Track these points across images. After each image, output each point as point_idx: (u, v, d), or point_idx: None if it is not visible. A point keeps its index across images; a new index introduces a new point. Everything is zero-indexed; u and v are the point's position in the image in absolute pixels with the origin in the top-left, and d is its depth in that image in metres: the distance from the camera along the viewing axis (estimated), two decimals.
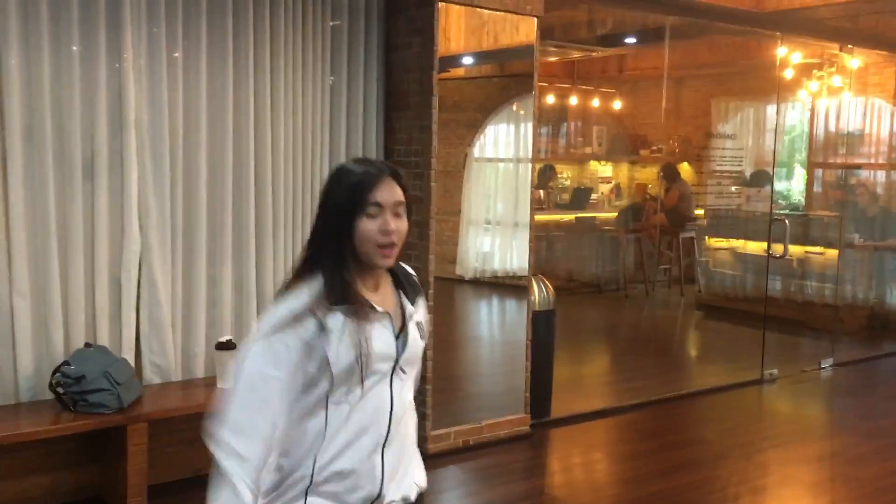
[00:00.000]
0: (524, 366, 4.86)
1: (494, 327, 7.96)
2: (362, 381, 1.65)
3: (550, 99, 10.33)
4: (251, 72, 4.04)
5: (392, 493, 1.74)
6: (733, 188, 9.75)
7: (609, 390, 6.15)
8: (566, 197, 10.82)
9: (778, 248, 6.90)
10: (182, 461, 3.88)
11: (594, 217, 10.53)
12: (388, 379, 1.73)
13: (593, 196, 11.00)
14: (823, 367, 6.65)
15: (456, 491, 4.20)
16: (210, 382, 3.94)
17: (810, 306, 7.96)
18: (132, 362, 3.77)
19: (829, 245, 8.08)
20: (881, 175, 8.56)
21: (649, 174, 11.08)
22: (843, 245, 7.94)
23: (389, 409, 1.72)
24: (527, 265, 5.14)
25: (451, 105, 4.39)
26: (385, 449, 1.71)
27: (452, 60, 7.14)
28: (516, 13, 4.54)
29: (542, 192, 9.91)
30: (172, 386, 3.91)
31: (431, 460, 4.33)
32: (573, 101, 10.76)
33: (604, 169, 11.63)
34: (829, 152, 8.98)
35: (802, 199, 9.46)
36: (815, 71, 8.26)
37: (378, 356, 1.68)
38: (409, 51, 4.41)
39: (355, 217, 1.68)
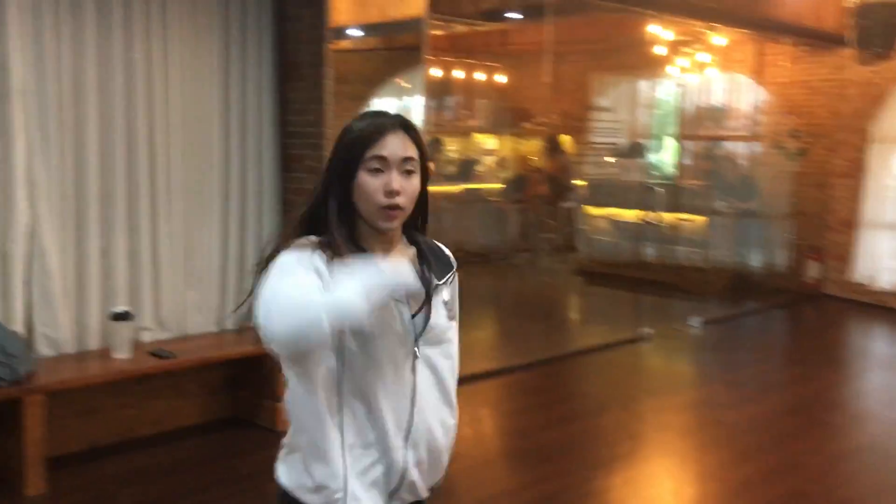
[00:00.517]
0: None
1: None
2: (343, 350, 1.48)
3: (436, 72, 10.47)
4: (141, 40, 3.99)
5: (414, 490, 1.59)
6: (611, 159, 10.22)
7: (497, 353, 6.42)
8: (453, 169, 11.02)
9: (651, 216, 7.35)
10: (78, 433, 3.86)
11: (480, 188, 10.79)
12: (410, 362, 1.55)
13: (479, 168, 11.26)
14: (693, 326, 7.15)
15: None
16: (104, 354, 3.92)
17: (681, 269, 8.48)
18: (24, 335, 3.71)
19: (697, 212, 8.64)
20: (743, 146, 9.16)
21: (532, 146, 11.42)
22: (710, 212, 8.52)
23: (411, 396, 1.55)
24: None
25: (337, 77, 4.45)
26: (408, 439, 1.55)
27: (339, 32, 7.18)
28: None
29: (430, 164, 10.09)
30: (66, 358, 3.86)
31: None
32: (458, 74, 10.94)
33: (489, 141, 11.90)
34: (698, 125, 9.56)
35: (674, 170, 10.02)
36: (684, 48, 8.76)
37: (381, 329, 1.49)
38: (300, 22, 4.44)
39: (357, 172, 1.52)
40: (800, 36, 7.92)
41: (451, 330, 1.67)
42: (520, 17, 8.00)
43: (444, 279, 1.63)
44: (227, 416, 4.40)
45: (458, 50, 10.75)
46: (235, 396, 4.45)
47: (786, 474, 4.01)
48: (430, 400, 1.59)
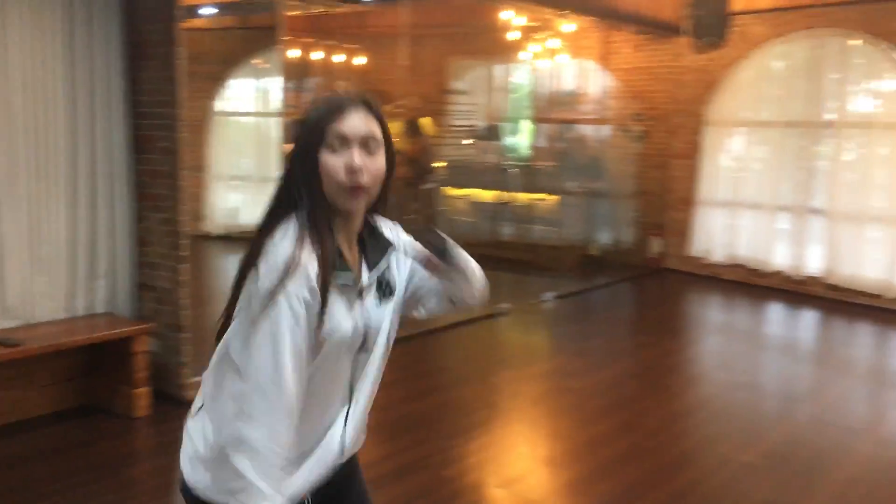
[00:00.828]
0: None
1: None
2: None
3: (294, 53, 10.36)
4: None
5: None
6: (469, 141, 10.47)
7: None
8: None
9: (507, 196, 7.64)
10: None
11: None
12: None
13: None
14: (546, 300, 7.51)
15: None
16: None
17: (536, 247, 8.86)
18: None
19: (550, 192, 9.02)
20: (592, 129, 9.63)
21: (393, 128, 11.49)
22: (562, 192, 8.93)
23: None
24: None
25: (191, 57, 4.38)
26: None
27: (191, 11, 7.00)
28: None
29: (290, 146, 10.01)
30: None
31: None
32: (317, 56, 10.87)
33: None
34: (551, 109, 9.96)
35: (529, 151, 10.40)
36: (535, 34, 9.10)
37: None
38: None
39: (319, 152, 1.48)
40: (640, 25, 8.40)
41: (395, 313, 1.64)
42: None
43: (376, 271, 1.59)
44: (83, 404, 4.29)
45: (317, 31, 10.68)
46: (89, 384, 4.34)
47: (628, 432, 4.34)
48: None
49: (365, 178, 1.49)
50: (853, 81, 7.57)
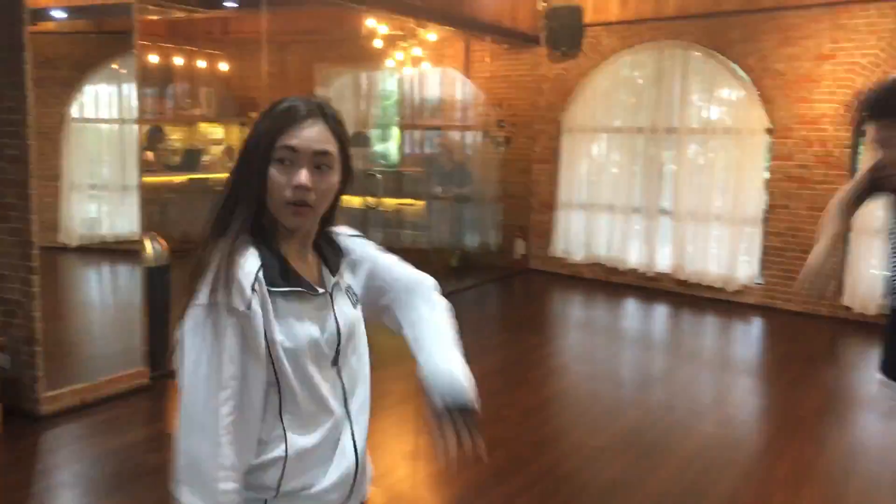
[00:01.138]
0: (141, 322, 4.97)
1: (108, 291, 7.78)
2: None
3: (154, 59, 10.11)
4: None
5: None
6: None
7: None
8: (177, 159, 10.72)
9: (372, 200, 7.75)
10: None
11: (207, 178, 10.60)
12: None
13: (205, 157, 11.05)
14: None
15: (75, 445, 4.22)
16: None
17: (406, 251, 8.95)
18: None
19: (418, 197, 9.20)
20: (457, 136, 9.88)
21: None
22: (430, 197, 9.13)
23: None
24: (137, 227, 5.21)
25: (43, 62, 4.27)
26: None
27: (42, 14, 6.73)
28: None
29: (151, 154, 9.74)
30: None
31: (47, 420, 4.31)
32: (178, 61, 10.64)
33: (214, 130, 11.70)
34: (417, 116, 10.15)
35: (397, 158, 10.55)
36: (400, 42, 9.27)
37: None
38: None
39: (267, 164, 1.39)
40: (499, 35, 8.72)
41: (360, 321, 1.60)
42: (235, 5, 8.00)
43: (338, 275, 1.55)
44: None
45: (177, 36, 10.46)
46: None
47: (490, 424, 4.53)
48: None
49: (312, 197, 1.40)
50: (695, 90, 8.14)
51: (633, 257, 8.61)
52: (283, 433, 1.44)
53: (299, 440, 1.45)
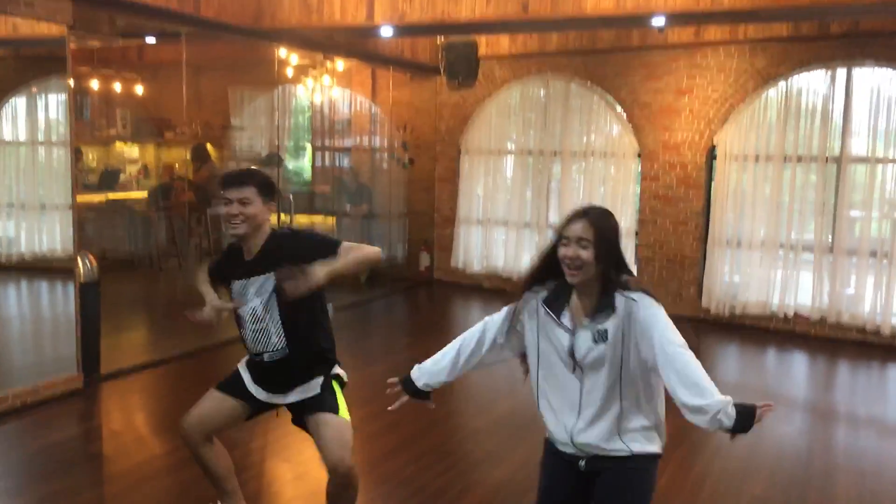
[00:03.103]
0: (73, 332, 5.53)
1: (35, 306, 8.17)
2: None
3: (71, 82, 10.45)
4: None
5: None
6: (252, 168, 11.08)
7: (152, 348, 7.02)
8: (93, 178, 11.08)
9: (286, 218, 8.40)
10: None
11: (125, 198, 11.01)
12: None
13: (122, 177, 11.44)
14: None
15: (18, 439, 4.76)
16: None
17: None
18: None
19: (329, 214, 9.89)
20: (365, 156, 10.62)
21: (175, 155, 11.84)
22: (339, 214, 9.83)
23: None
24: (58, 246, 5.76)
25: None
26: None
27: None
28: (48, 21, 5.12)
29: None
30: None
31: None
32: (95, 85, 11.01)
33: (131, 150, 12.08)
34: (327, 138, 10.85)
35: (309, 177, 11.20)
36: (310, 70, 9.96)
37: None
38: None
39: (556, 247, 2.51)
40: (400, 66, 9.52)
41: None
42: (154, 41, 8.53)
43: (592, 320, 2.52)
44: None
45: (95, 61, 10.83)
46: None
47: (386, 412, 5.26)
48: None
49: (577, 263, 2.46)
50: (575, 118, 9.10)
51: (525, 268, 9.49)
52: None
53: None
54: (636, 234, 8.70)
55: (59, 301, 6.47)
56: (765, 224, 7.95)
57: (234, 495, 3.48)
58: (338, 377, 3.30)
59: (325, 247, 3.09)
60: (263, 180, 3.13)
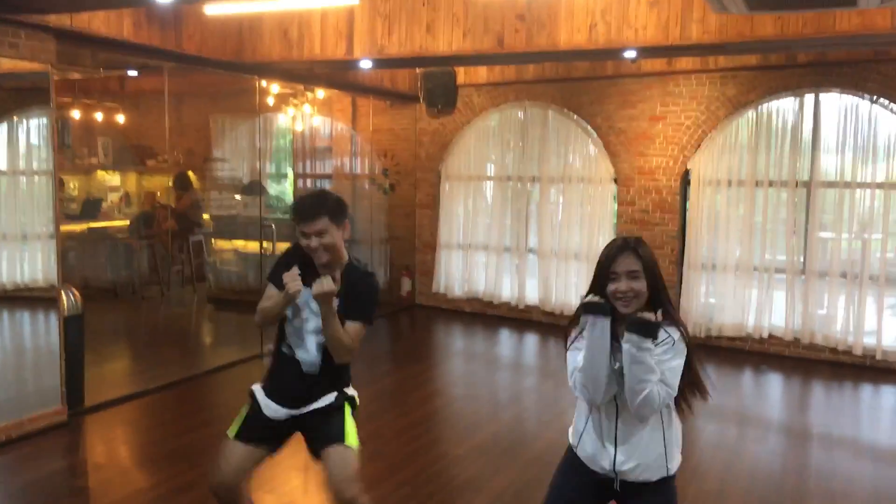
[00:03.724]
0: (58, 365, 5.57)
1: (17, 338, 8.18)
2: None
3: (54, 115, 10.51)
4: None
5: None
6: (238, 196, 11.18)
7: (135, 379, 7.05)
8: (75, 207, 11.11)
9: (269, 246, 8.49)
10: None
11: (106, 226, 11.04)
12: None
13: (104, 205, 11.48)
14: None
15: (3, 475, 4.80)
16: None
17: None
18: None
19: None
20: (346, 183, 10.74)
21: (157, 183, 11.91)
22: None
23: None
24: (39, 276, 5.81)
25: None
26: None
27: None
28: (31, 61, 5.21)
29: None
30: None
31: None
32: (76, 114, 11.07)
33: (112, 178, 12.12)
34: (309, 164, 10.96)
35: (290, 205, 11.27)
36: (291, 99, 10.09)
37: None
38: None
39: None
40: (380, 95, 9.67)
41: None
42: (136, 73, 8.63)
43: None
44: None
45: (77, 90, 10.91)
46: None
47: (370, 441, 5.32)
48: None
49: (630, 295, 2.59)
50: (553, 144, 9.27)
51: (506, 292, 9.64)
52: None
53: None
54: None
55: (42, 332, 6.49)
56: (739, 247, 8.13)
57: None
58: (352, 400, 3.37)
59: (367, 312, 3.24)
60: (334, 207, 3.12)
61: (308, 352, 3.24)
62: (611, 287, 2.57)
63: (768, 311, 8.08)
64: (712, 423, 6.26)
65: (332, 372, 3.28)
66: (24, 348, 7.23)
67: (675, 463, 2.73)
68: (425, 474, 4.83)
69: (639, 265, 2.56)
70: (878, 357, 7.51)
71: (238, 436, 3.32)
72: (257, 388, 3.38)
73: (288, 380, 3.30)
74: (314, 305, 3.13)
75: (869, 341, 7.58)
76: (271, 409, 3.29)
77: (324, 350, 3.22)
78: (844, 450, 5.67)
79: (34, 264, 6.92)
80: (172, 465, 4.87)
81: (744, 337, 8.14)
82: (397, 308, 10.13)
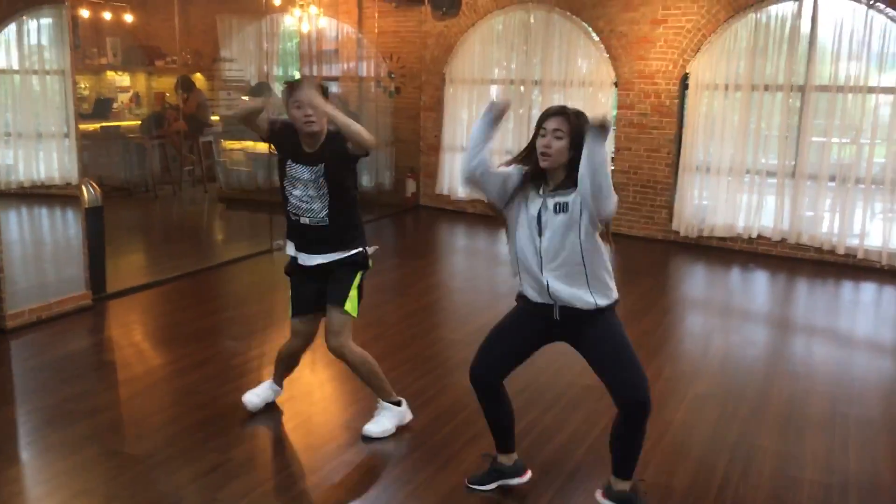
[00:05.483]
0: (81, 254, 5.95)
1: (37, 232, 8.57)
2: None
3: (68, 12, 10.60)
4: None
5: None
6: (245, 97, 11.34)
7: (153, 269, 7.45)
8: (87, 107, 11.33)
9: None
10: None
11: (118, 126, 11.28)
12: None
13: (114, 105, 11.70)
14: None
15: (38, 349, 5.23)
16: None
17: None
18: None
19: None
20: (353, 85, 10.89)
21: (166, 83, 12.08)
22: None
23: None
24: (55, 174, 6.14)
25: None
26: None
27: None
28: None
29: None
30: None
31: (13, 333, 5.31)
32: (85, 13, 11.16)
33: (121, 79, 12.29)
34: (315, 67, 11.08)
35: None
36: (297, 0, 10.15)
37: None
38: None
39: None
40: None
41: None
42: None
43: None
44: None
45: None
46: None
47: (375, 326, 5.75)
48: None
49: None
50: (556, 48, 9.37)
51: None
52: None
53: None
54: (612, 160, 9.08)
55: (60, 227, 6.87)
56: (733, 150, 8.35)
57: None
58: (364, 263, 3.94)
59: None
60: (318, 85, 3.74)
61: (313, 210, 3.75)
62: (538, 142, 2.90)
63: (759, 212, 8.37)
64: (697, 314, 6.66)
65: (342, 228, 3.80)
66: (46, 241, 7.63)
67: (603, 297, 3.02)
68: (423, 355, 5.24)
69: (566, 128, 2.85)
70: (860, 256, 7.84)
71: (294, 313, 4.04)
72: (290, 248, 3.97)
73: (304, 235, 3.84)
74: (309, 182, 3.72)
75: (852, 242, 7.89)
76: (304, 258, 3.87)
77: (330, 208, 3.72)
78: (818, 339, 6.06)
79: (49, 162, 7.20)
80: (189, 345, 5.28)
81: (734, 237, 8.45)
82: (402, 209, 10.45)
